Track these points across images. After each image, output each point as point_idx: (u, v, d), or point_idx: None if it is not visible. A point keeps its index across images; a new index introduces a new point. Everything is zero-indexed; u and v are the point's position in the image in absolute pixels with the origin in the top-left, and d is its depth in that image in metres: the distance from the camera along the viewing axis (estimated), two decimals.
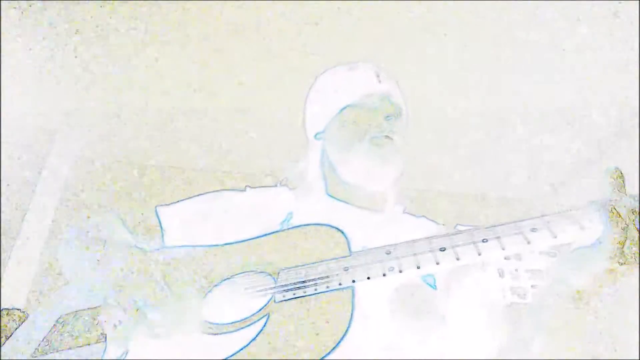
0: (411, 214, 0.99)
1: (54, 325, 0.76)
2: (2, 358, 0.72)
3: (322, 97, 1.03)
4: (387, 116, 0.95)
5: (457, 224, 0.94)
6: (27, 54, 1.46)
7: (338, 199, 0.95)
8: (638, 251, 0.65)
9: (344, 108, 0.98)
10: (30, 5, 1.37)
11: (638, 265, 0.66)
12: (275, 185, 1.01)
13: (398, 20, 1.42)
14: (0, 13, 1.35)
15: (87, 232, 0.87)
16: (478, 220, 1.72)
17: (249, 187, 0.99)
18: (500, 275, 0.75)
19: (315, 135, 1.01)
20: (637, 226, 0.65)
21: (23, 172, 1.55)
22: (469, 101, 1.60)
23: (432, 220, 0.96)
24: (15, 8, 1.37)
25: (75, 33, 1.44)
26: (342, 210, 0.93)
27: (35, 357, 0.72)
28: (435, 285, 0.80)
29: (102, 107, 1.64)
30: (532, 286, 0.74)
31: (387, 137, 0.94)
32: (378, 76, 1.01)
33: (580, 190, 1.80)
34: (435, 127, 1.66)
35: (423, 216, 0.98)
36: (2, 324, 0.78)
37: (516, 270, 0.75)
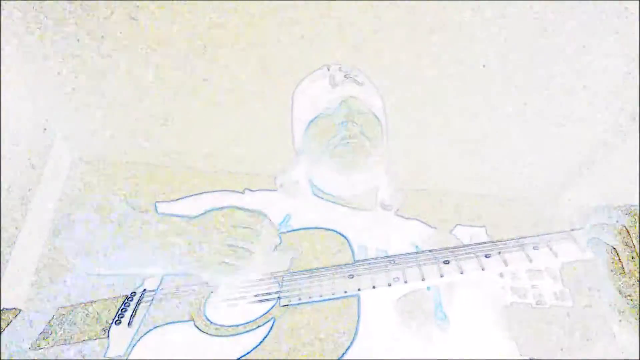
0: (402, 217, 0.99)
1: (52, 318, 0.75)
2: (1, 357, 0.72)
3: (296, 114, 1.04)
4: (342, 122, 0.93)
5: (457, 224, 0.94)
6: (27, 53, 1.46)
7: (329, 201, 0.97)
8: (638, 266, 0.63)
9: (310, 123, 0.98)
10: (30, 5, 1.37)
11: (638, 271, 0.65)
12: (274, 190, 1.02)
13: (396, 21, 1.42)
14: (0, 13, 1.35)
15: (94, 214, 0.87)
16: (478, 220, 1.72)
17: (248, 190, 1.00)
18: (500, 275, 0.75)
19: (297, 152, 1.03)
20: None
21: (23, 172, 1.55)
22: (467, 101, 1.60)
23: (425, 223, 0.96)
24: (15, 8, 1.37)
25: (76, 33, 1.44)
26: (336, 211, 0.94)
27: (33, 351, 0.71)
28: (429, 287, 0.80)
29: (103, 107, 1.64)
30: (532, 286, 0.74)
31: (346, 144, 0.91)
32: (333, 80, 0.99)
33: (580, 190, 1.80)
34: (434, 127, 1.66)
35: (415, 218, 0.98)
36: (1, 324, 0.77)
37: (516, 270, 0.75)
